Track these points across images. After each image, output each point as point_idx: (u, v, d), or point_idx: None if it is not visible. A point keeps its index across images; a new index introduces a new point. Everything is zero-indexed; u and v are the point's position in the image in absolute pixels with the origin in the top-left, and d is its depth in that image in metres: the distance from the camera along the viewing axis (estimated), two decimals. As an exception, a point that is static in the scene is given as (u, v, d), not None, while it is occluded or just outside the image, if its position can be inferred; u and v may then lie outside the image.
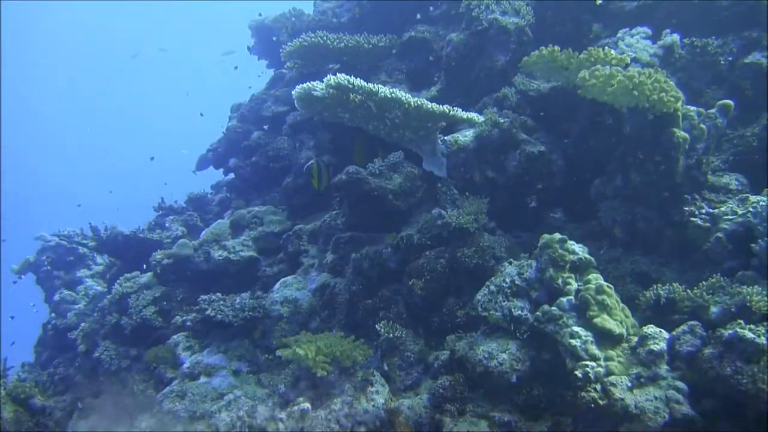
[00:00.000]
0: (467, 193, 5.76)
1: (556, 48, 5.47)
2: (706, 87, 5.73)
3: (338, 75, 5.33)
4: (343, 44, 7.26)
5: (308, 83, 5.62)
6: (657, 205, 5.36)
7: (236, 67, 22.72)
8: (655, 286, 4.74)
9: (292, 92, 5.77)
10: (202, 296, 6.55)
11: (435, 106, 5.27)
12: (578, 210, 5.87)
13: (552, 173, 5.82)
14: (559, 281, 4.63)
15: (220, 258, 7.26)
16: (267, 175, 8.94)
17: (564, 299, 4.53)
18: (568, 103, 5.96)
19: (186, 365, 6.11)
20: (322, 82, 5.55)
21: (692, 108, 5.18)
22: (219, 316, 6.05)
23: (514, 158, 5.77)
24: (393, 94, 5.25)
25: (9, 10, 48.69)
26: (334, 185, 6.62)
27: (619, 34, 5.88)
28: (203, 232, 8.33)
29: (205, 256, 7.34)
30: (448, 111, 5.26)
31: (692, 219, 5.13)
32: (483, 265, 5.27)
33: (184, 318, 6.56)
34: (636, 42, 5.68)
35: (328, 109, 5.90)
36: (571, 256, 4.70)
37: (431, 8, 7.74)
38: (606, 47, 5.67)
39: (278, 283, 6.61)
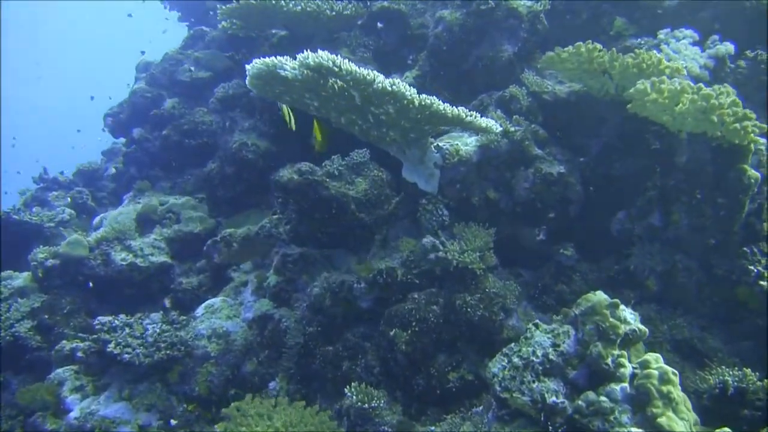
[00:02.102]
0: (462, 218, 4.55)
1: (597, 45, 4.29)
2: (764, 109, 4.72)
3: (321, 53, 3.92)
4: (299, 8, 5.79)
5: (273, 59, 4.16)
6: (699, 254, 4.35)
7: (130, 15, 20.27)
8: (719, 370, 3.71)
9: (247, 67, 4.28)
10: (99, 319, 4.98)
11: (447, 108, 3.97)
12: (593, 246, 4.78)
13: (568, 200, 4.67)
14: (609, 360, 3.49)
15: (124, 263, 5.69)
16: (180, 152, 7.39)
17: (617, 387, 3.41)
18: (591, 113, 4.82)
19: (74, 415, 4.59)
20: (294, 59, 4.13)
21: (762, 141, 4.16)
22: (126, 355, 4.53)
23: (526, 179, 4.57)
24: (394, 87, 3.91)
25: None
26: (280, 185, 5.22)
27: (660, 36, 4.77)
28: (96, 219, 6.69)
29: (104, 259, 5.75)
30: (464, 116, 3.97)
31: (745, 277, 4.13)
32: (489, 319, 4.08)
33: (73, 346, 4.97)
34: (684, 48, 4.58)
35: (291, 93, 4.48)
36: (624, 327, 3.57)
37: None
38: (651, 51, 4.54)
39: (202, 306, 5.15)
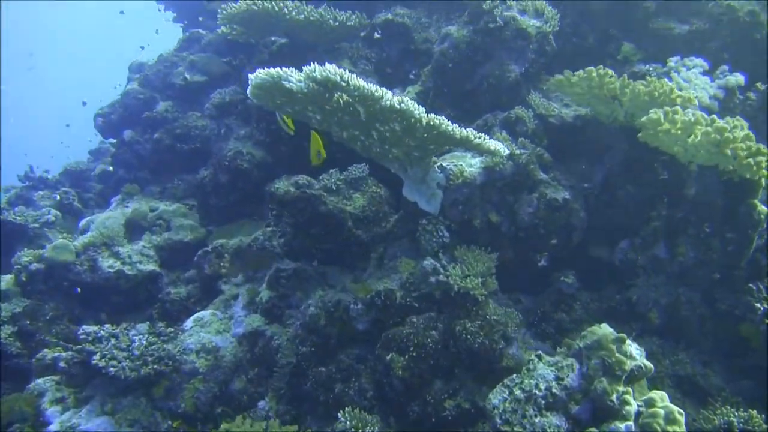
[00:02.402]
0: (463, 240, 4.45)
1: (609, 71, 4.21)
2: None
3: (328, 67, 3.81)
4: (303, 16, 5.67)
5: (278, 70, 4.04)
6: (703, 288, 4.28)
7: (122, 12, 20.05)
8: (724, 410, 3.62)
9: (250, 77, 4.14)
10: (84, 328, 4.81)
11: (455, 129, 3.86)
12: (593, 275, 4.70)
13: (572, 227, 4.58)
14: (614, 397, 3.39)
15: (111, 270, 5.53)
16: (171, 157, 7.24)
17: (621, 425, 3.31)
18: (596, 138, 4.75)
19: (54, 428, 4.41)
20: (300, 71, 4.01)
21: (770, 174, 4.09)
22: (111, 368, 4.37)
23: (530, 204, 4.48)
24: (402, 105, 3.80)
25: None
26: (276, 198, 5.10)
27: (670, 64, 4.70)
28: (83, 221, 6.52)
29: (91, 265, 5.58)
30: (472, 138, 3.87)
31: (750, 314, 4.06)
32: (489, 347, 3.97)
33: (55, 356, 4.80)
34: (694, 77, 4.52)
35: (294, 105, 4.36)
36: (630, 363, 3.47)
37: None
38: (662, 78, 4.48)
39: (191, 319, 5.00)
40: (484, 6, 5.01)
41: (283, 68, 4.09)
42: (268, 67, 6.36)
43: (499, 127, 4.81)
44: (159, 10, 10.08)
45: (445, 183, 4.48)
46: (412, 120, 3.92)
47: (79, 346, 4.63)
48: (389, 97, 3.83)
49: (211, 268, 5.43)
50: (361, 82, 3.84)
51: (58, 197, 7.53)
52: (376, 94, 3.84)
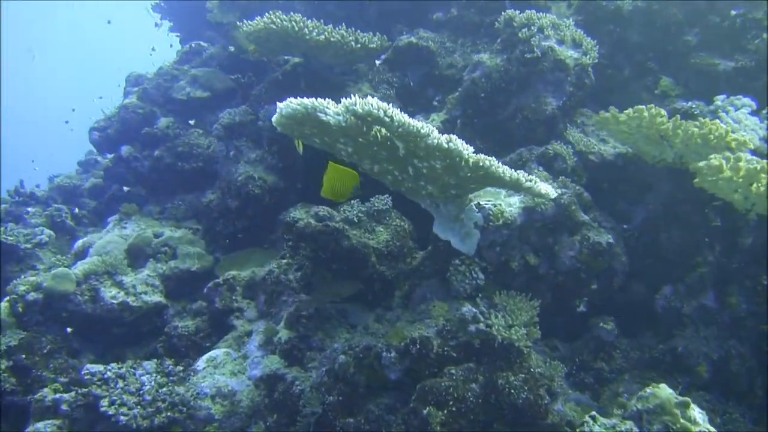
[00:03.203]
0: (498, 283, 4.21)
1: (661, 111, 3.99)
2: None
3: (370, 100, 3.53)
4: (323, 37, 5.40)
5: (312, 100, 3.76)
6: (752, 342, 4.07)
7: (109, 22, 19.55)
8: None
9: (279, 105, 3.86)
10: (89, 368, 4.49)
11: (506, 171, 3.61)
12: (632, 320, 4.48)
13: (613, 271, 4.36)
14: (679, 467, 3.16)
15: (114, 302, 5.19)
16: (171, 175, 6.94)
17: (689, 500, 3.08)
18: (637, 178, 4.54)
19: (56, 480, 4.08)
20: (337, 103, 3.75)
21: (832, 227, 3.91)
22: (122, 417, 4.04)
23: (572, 247, 4.24)
24: (450, 144, 3.55)
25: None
26: (297, 230, 4.82)
27: (717, 102, 4.50)
28: (78, 243, 6.18)
29: (92, 296, 5.24)
30: (523, 181, 3.62)
31: (804, 371, 3.86)
32: (534, 402, 3.71)
33: (56, 397, 4.46)
34: (744, 118, 4.32)
35: (324, 136, 4.09)
36: (695, 429, 3.24)
37: (437, 13, 6.03)
38: (706, 117, 4.28)
39: (203, 359, 4.68)
40: (519, 35, 4.78)
41: (319, 99, 3.82)
42: (281, 87, 6.13)
43: (535, 163, 4.58)
44: (156, 24, 9.72)
45: (483, 223, 4.23)
46: (458, 159, 3.67)
47: (85, 389, 4.30)
48: (436, 136, 3.58)
49: (223, 302, 5.12)
50: (405, 118, 3.58)
51: (50, 214, 7.15)
52: (422, 131, 3.58)
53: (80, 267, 5.42)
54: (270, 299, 5.04)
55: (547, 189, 3.77)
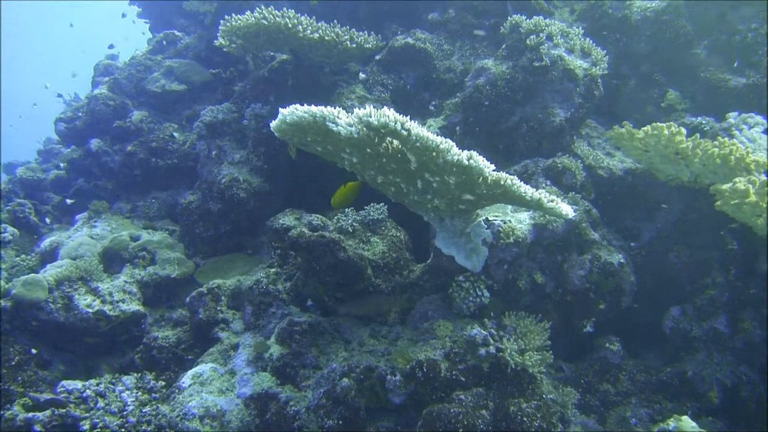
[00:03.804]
0: (503, 301, 4.04)
1: (681, 129, 3.85)
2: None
3: (386, 112, 3.30)
4: (317, 35, 5.14)
5: (322, 109, 3.51)
6: (762, 368, 3.98)
7: (72, 25, 18.70)
8: None
9: (282, 111, 3.60)
10: (64, 385, 4.18)
11: (527, 191, 3.43)
12: (638, 340, 4.36)
13: (621, 291, 4.22)
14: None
15: (90, 311, 4.87)
16: (143, 172, 6.58)
17: None
18: (647, 195, 4.40)
19: None
20: (348, 113, 3.52)
21: None
22: (105, 441, 3.75)
23: (582, 266, 4.09)
24: (471, 161, 3.34)
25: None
26: (290, 241, 4.57)
27: (730, 120, 4.39)
28: (45, 242, 5.81)
29: (65, 304, 4.90)
30: (544, 201, 3.44)
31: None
32: (547, 431, 3.55)
33: (28, 417, 4.12)
34: (758, 137, 4.22)
35: (327, 145, 3.86)
36: (720, 467, 3.12)
37: (432, 13, 5.80)
38: (717, 134, 4.16)
39: (189, 375, 4.39)
40: (527, 42, 4.60)
41: (329, 108, 3.57)
42: (267, 85, 5.84)
43: (542, 176, 4.41)
44: (123, 15, 9.27)
45: (492, 240, 4.04)
46: (476, 176, 3.47)
47: (62, 410, 3.99)
48: (457, 152, 3.37)
49: (207, 312, 4.84)
50: (424, 132, 3.37)
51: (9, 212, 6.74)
52: (441, 146, 3.37)
53: (51, 272, 5.07)
54: (258, 311, 4.78)
55: (568, 210, 3.60)
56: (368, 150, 3.71)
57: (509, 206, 4.35)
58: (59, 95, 11.75)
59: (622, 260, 4.12)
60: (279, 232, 4.79)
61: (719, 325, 4.01)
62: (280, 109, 3.69)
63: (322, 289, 4.66)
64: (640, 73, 5.08)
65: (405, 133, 3.34)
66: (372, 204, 4.90)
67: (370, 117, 3.37)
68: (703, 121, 4.54)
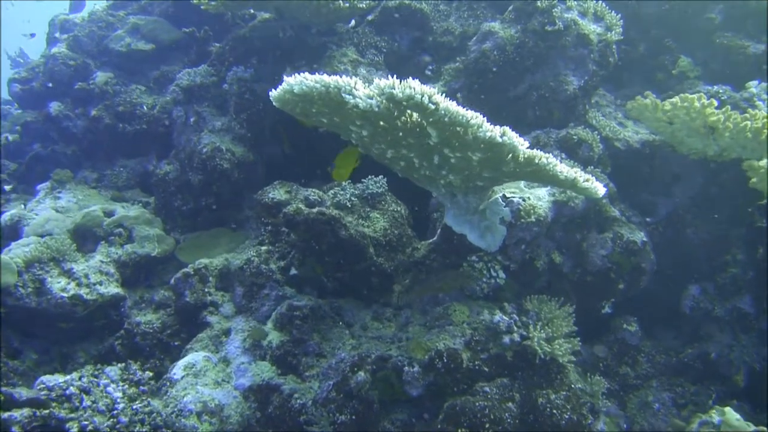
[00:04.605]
0: (519, 282, 3.82)
1: (713, 101, 3.63)
2: None
3: (412, 84, 2.97)
4: (306, -8, 4.73)
5: (336, 78, 3.16)
6: (785, 347, 3.86)
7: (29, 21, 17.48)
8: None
9: (287, 80, 3.24)
10: (44, 381, 3.80)
11: (563, 170, 3.16)
12: (654, 319, 4.20)
13: (641, 270, 4.03)
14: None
15: (65, 295, 4.46)
16: (109, 138, 6.13)
17: None
18: (663, 168, 4.20)
19: None
20: (366, 83, 3.19)
21: None
22: (96, 445, 3.42)
23: (603, 245, 3.87)
24: (504, 138, 3.05)
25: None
26: (284, 217, 4.24)
27: (752, 90, 4.20)
28: (5, 217, 5.34)
29: (37, 288, 4.48)
30: (580, 180, 3.18)
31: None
32: (579, 423, 3.37)
33: (5, 417, 3.74)
34: (782, 108, 4.04)
35: (335, 116, 3.52)
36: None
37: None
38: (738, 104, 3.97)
39: (180, 365, 4.05)
40: (538, 4, 4.29)
41: (344, 78, 3.22)
42: (248, 46, 5.41)
43: (556, 149, 4.15)
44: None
45: (510, 218, 3.78)
46: (506, 153, 3.19)
47: (46, 412, 3.62)
48: (489, 128, 3.07)
49: (194, 295, 4.49)
50: (453, 106, 3.05)
51: None
52: (472, 121, 3.06)
53: (18, 252, 4.63)
54: (249, 292, 4.46)
55: (600, 189, 3.35)
56: (382, 123, 3.39)
57: (522, 181, 4.10)
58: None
59: (644, 239, 3.92)
60: (269, 207, 4.46)
61: (743, 305, 3.87)
62: (286, 78, 3.32)
63: (320, 269, 4.36)
64: (650, 37, 4.84)
65: (432, 106, 3.02)
66: (371, 177, 4.60)
67: (394, 89, 3.04)
68: (720, 90, 4.34)
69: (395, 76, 3.10)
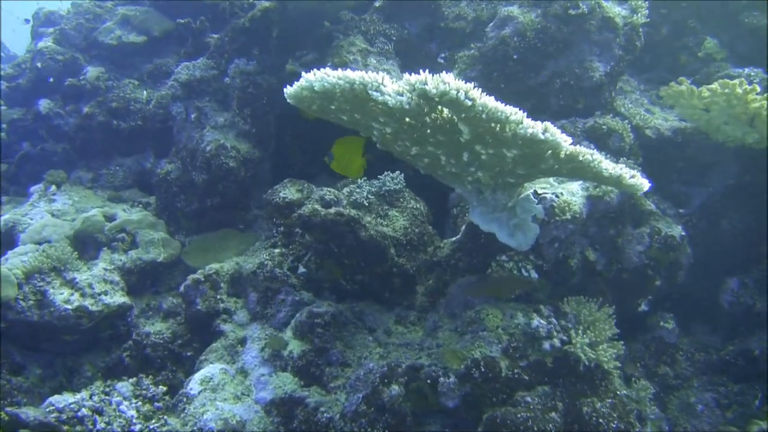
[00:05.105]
0: (552, 282, 3.64)
1: (755, 86, 3.44)
2: None
3: (446, 78, 2.75)
4: (314, -21, 4.48)
5: (361, 74, 2.91)
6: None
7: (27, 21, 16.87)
8: None
9: (305, 76, 3.00)
10: (54, 402, 3.58)
11: (608, 167, 2.96)
12: (691, 315, 4.03)
13: (678, 265, 3.85)
14: None
15: (69, 307, 4.23)
16: (105, 136, 5.86)
17: None
18: (696, 157, 4.01)
19: None
20: (393, 78, 2.98)
21: None
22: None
23: (640, 241, 3.69)
24: (547, 135, 2.84)
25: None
26: (302, 220, 4.01)
27: (789, 73, 4.01)
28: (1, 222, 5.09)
29: (38, 300, 4.25)
30: (625, 177, 2.98)
31: None
32: (625, 432, 3.20)
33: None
34: (822, 92, 3.85)
35: (355, 113, 3.29)
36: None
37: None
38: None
39: (197, 380, 3.83)
40: (559, -14, 4.07)
41: (370, 74, 2.99)
42: (249, 37, 5.15)
43: (584, 140, 3.96)
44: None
45: (543, 216, 3.58)
46: (546, 150, 2.99)
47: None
48: (530, 124, 2.86)
49: (206, 303, 4.27)
50: (491, 102, 2.83)
51: None
52: (511, 117, 2.85)
53: (16, 261, 4.38)
54: (264, 298, 4.24)
55: (647, 184, 3.16)
56: (408, 120, 3.17)
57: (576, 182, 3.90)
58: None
59: (683, 233, 3.74)
60: (281, 207, 4.24)
61: (785, 299, 3.71)
62: (304, 74, 3.08)
63: (339, 272, 4.15)
64: (672, 19, 4.64)
65: (468, 102, 2.79)
66: (387, 172, 4.38)
67: (426, 85, 2.82)
68: (752, 73, 4.15)
69: (407, 68, 2.86)
